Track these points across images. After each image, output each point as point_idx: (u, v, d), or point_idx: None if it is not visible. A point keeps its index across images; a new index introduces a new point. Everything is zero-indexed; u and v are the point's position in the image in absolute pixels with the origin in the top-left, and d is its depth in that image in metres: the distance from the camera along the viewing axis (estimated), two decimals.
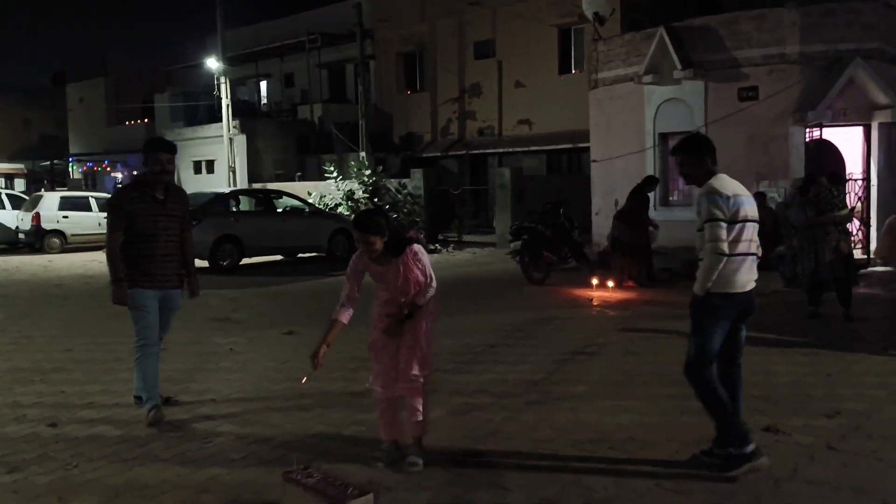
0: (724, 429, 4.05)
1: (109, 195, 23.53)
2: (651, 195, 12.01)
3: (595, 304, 10.07)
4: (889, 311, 8.59)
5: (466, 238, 19.44)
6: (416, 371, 4.13)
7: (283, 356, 7.04)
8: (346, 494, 3.42)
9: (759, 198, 11.76)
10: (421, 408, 4.17)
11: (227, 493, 3.87)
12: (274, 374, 6.37)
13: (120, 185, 6.31)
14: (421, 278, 4.15)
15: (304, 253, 16.70)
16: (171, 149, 5.27)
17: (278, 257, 16.45)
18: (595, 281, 11.16)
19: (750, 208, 4.09)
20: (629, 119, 15.06)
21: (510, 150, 24.36)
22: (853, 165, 13.42)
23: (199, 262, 15.05)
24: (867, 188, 13.07)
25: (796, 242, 10.97)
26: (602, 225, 14.87)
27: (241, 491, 3.91)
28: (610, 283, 11.02)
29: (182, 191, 5.62)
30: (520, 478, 4.01)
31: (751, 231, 4.08)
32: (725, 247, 3.90)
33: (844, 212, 8.41)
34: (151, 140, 5.30)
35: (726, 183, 4.10)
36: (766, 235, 11.57)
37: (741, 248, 4.01)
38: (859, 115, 13.28)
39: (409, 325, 4.14)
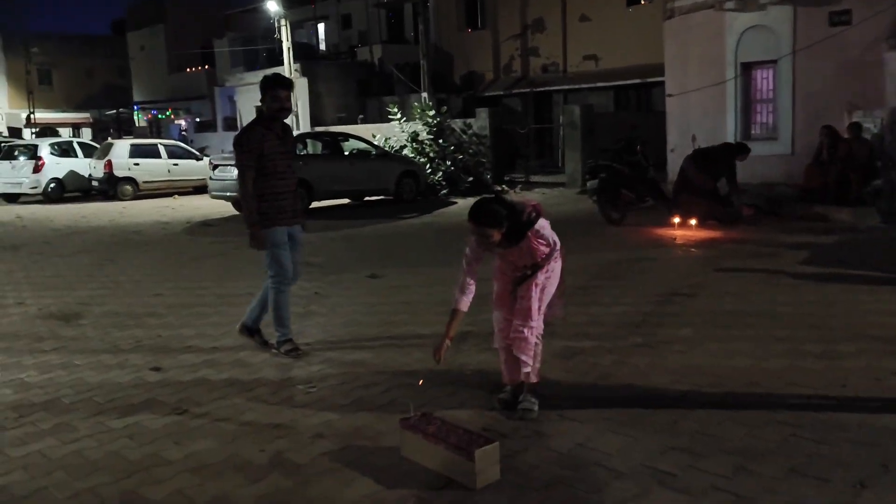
0: None
1: (177, 141, 23.82)
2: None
3: (679, 243, 9.72)
4: None
5: (533, 178, 19.07)
6: (519, 321, 3.95)
7: (371, 300, 6.94)
8: (472, 443, 3.27)
9: (854, 129, 11.14)
10: (527, 358, 3.98)
11: (342, 439, 3.78)
12: (365, 318, 6.27)
13: (245, 126, 6.33)
14: (544, 249, 3.90)
15: (371, 196, 16.61)
16: (290, 85, 5.22)
17: (346, 201, 16.39)
18: (676, 220, 10.79)
19: None
20: (708, 49, 14.31)
21: (576, 86, 23.69)
22: None
23: None
24: None
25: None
26: (677, 162, 14.29)
27: (356, 437, 3.81)
28: (693, 222, 10.63)
29: (290, 128, 5.54)
30: (643, 424, 3.81)
31: None
32: None
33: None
34: (270, 77, 5.16)
35: None
36: (862, 168, 11.08)
37: None
38: None
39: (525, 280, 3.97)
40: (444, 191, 17.59)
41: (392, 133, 19.31)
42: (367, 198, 16.78)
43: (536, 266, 3.92)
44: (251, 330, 5.40)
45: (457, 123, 19.22)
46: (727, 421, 3.81)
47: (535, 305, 3.97)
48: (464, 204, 14.69)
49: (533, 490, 3.17)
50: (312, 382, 4.66)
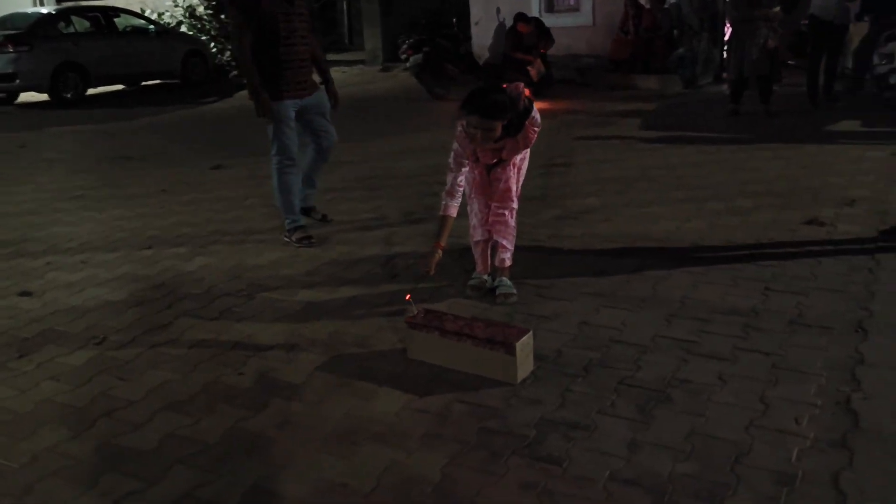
0: None
1: None
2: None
3: None
4: (799, 102, 8.92)
5: (328, 57, 18.09)
6: (498, 204, 3.75)
7: (242, 194, 6.20)
8: (506, 335, 2.99)
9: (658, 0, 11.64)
10: (507, 243, 3.79)
11: (324, 349, 3.33)
12: (254, 214, 5.59)
13: None
14: (535, 137, 3.54)
15: (155, 79, 14.83)
16: None
17: (121, 87, 14.51)
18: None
19: None
20: None
21: None
22: None
23: (37, 96, 13.22)
24: None
25: (697, 43, 11.09)
26: (482, 36, 14.22)
27: (339, 344, 3.37)
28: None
29: None
30: (627, 295, 3.76)
31: None
32: None
33: (776, 8, 8.39)
34: None
35: None
36: (666, 37, 11.71)
37: None
38: None
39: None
40: (235, 72, 16.15)
41: (163, 7, 17.18)
42: (145, 82, 14.96)
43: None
44: (305, 209, 5.04)
45: None
46: (701, 283, 3.86)
47: (514, 187, 3.74)
48: None
49: (577, 376, 2.99)
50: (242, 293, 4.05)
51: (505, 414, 2.76)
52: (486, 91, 3.43)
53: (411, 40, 11.79)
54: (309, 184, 5.01)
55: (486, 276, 3.87)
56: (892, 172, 5.82)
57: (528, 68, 10.84)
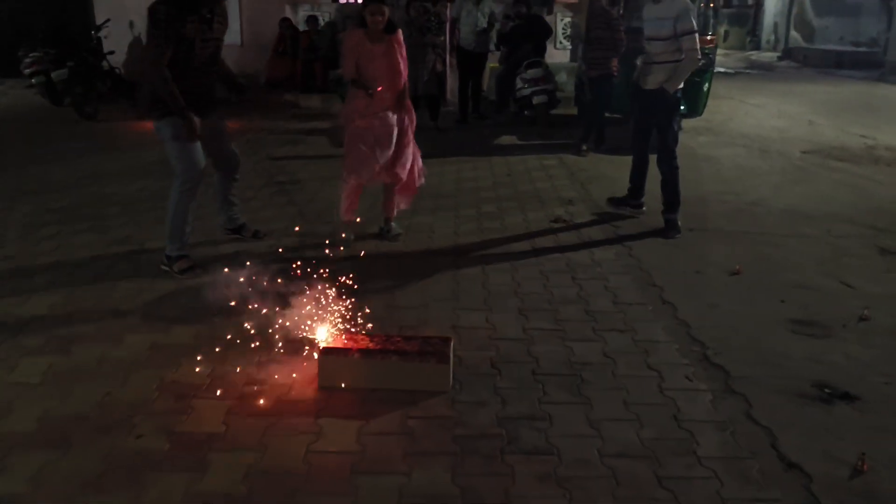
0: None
1: None
2: None
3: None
4: (453, 121, 9.96)
5: None
6: (402, 168, 4.71)
7: None
8: (426, 345, 2.99)
9: (312, 21, 12.01)
10: (408, 197, 4.96)
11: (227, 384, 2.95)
12: None
13: None
14: (401, 69, 4.53)
15: None
16: None
17: None
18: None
19: None
20: None
21: None
22: None
23: None
24: None
25: None
26: (109, 45, 12.98)
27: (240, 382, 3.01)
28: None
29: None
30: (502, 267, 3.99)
31: None
32: None
33: (441, 37, 9.25)
34: None
35: None
36: (324, 58, 12.10)
37: None
38: None
39: (404, 127, 4.66)
40: None
41: None
42: None
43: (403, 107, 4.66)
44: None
45: None
46: (522, 280, 4.26)
47: (414, 150, 4.81)
48: None
49: (493, 376, 3.14)
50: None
51: (463, 420, 2.79)
52: None
53: (39, 53, 10.29)
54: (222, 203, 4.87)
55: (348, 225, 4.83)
56: (576, 175, 6.93)
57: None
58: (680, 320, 3.72)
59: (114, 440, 2.61)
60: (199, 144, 4.19)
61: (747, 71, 18.92)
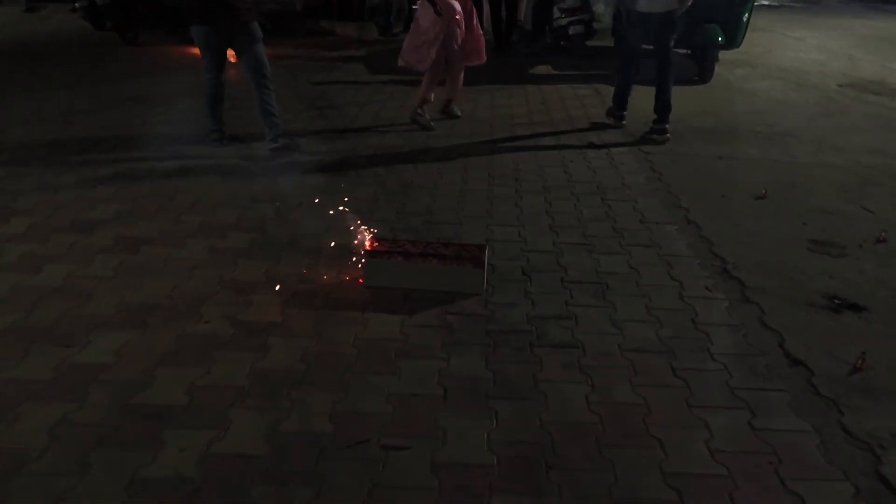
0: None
1: None
2: None
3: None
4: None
5: None
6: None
7: None
8: (463, 250, 3.25)
9: None
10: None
11: (280, 280, 3.25)
12: None
13: None
14: None
15: None
16: None
17: None
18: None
19: None
20: None
21: None
22: None
23: None
24: None
25: None
26: None
27: (294, 280, 3.31)
28: None
29: None
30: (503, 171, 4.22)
31: None
32: None
33: None
34: None
35: None
36: None
37: None
38: None
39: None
40: None
41: None
42: None
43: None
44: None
45: None
46: (554, 200, 4.47)
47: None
48: None
49: (523, 282, 3.39)
50: None
51: (496, 317, 3.06)
52: None
53: None
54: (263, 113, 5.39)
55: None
56: (609, 103, 7.02)
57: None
58: (703, 238, 3.92)
59: (184, 324, 2.93)
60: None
61: (791, 4, 18.45)
